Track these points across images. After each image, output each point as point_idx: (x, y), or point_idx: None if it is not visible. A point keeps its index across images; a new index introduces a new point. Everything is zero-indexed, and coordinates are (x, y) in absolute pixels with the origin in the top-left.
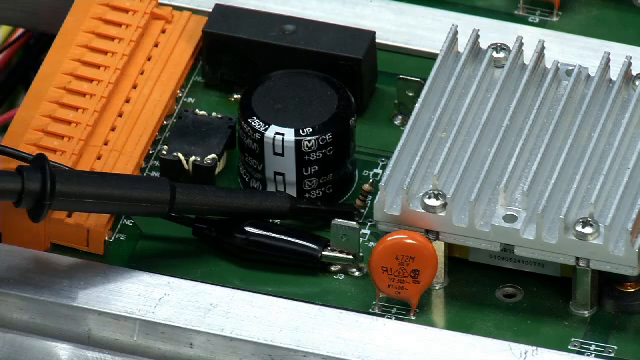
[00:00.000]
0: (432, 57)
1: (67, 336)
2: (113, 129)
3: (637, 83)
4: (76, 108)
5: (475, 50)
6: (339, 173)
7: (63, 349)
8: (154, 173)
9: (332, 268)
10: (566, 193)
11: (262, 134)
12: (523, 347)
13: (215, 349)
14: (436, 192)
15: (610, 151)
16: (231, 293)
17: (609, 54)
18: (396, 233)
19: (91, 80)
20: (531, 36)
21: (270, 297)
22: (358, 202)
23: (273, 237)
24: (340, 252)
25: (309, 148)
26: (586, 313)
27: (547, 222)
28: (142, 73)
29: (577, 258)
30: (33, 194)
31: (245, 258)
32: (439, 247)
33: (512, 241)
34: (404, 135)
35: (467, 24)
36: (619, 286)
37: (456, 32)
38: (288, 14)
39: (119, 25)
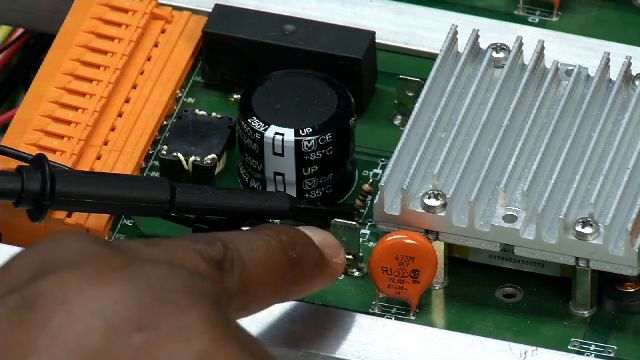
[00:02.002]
0: (432, 57)
1: None
2: (113, 129)
3: (637, 83)
4: (76, 108)
5: (475, 50)
6: (339, 173)
7: None
8: (154, 173)
9: None
10: (566, 193)
11: (262, 134)
12: (523, 347)
13: None
14: (436, 192)
15: (610, 151)
16: None
17: (609, 54)
18: (396, 233)
19: (91, 80)
20: (531, 36)
21: None
22: (358, 202)
23: None
24: None
25: (309, 148)
26: (586, 313)
27: (547, 222)
28: (142, 73)
29: (577, 258)
30: (33, 194)
31: None
32: (439, 247)
33: (512, 241)
34: (404, 135)
35: (467, 24)
36: (619, 286)
37: (456, 32)
38: (288, 14)
39: (119, 25)
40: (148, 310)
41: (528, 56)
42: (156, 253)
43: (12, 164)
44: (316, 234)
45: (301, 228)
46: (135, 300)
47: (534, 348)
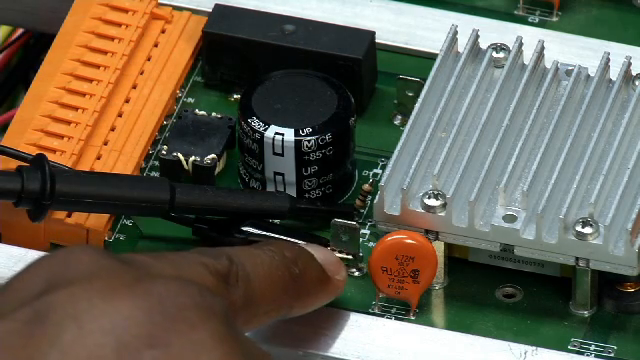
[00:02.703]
0: (432, 57)
1: None
2: (113, 129)
3: (637, 83)
4: (76, 108)
5: (475, 50)
6: (339, 173)
7: None
8: (154, 173)
9: None
10: (566, 193)
11: (262, 134)
12: (523, 347)
13: None
14: (436, 192)
15: (610, 151)
16: None
17: (609, 54)
18: (396, 233)
19: (91, 80)
20: (531, 36)
21: None
22: (358, 202)
23: (273, 237)
24: (340, 252)
25: (309, 148)
26: (586, 313)
27: (547, 222)
28: (142, 73)
29: (577, 258)
30: (33, 194)
31: None
32: (439, 247)
33: (512, 241)
34: (404, 135)
35: (467, 24)
36: (619, 286)
37: (456, 32)
38: (288, 14)
39: (119, 25)
40: (159, 327)
41: (528, 56)
42: (165, 268)
43: (12, 164)
44: (318, 251)
45: (303, 245)
46: (146, 317)
47: (534, 348)
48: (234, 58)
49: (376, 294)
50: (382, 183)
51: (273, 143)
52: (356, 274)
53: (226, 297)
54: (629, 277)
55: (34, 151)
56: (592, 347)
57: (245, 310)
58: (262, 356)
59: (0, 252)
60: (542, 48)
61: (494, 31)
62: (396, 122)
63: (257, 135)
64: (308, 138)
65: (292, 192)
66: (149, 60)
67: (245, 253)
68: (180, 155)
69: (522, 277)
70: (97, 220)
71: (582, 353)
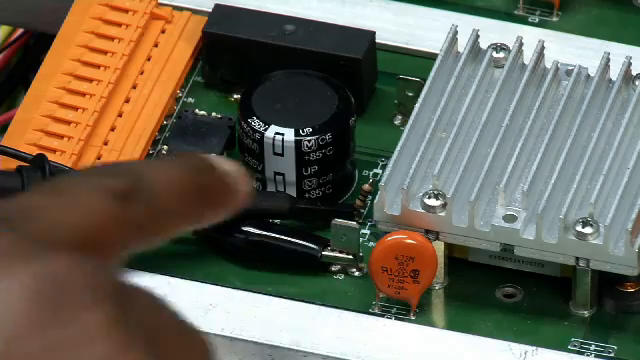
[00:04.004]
0: (432, 57)
1: None
2: (113, 129)
3: (637, 83)
4: (76, 108)
5: (475, 50)
6: (339, 173)
7: None
8: None
9: (332, 268)
10: (566, 193)
11: (262, 134)
12: (523, 347)
13: (215, 349)
14: (436, 192)
15: (610, 151)
16: (231, 293)
17: (609, 54)
18: (396, 233)
19: (91, 80)
20: (531, 36)
21: (270, 297)
22: (358, 202)
23: (273, 237)
24: (340, 252)
25: (309, 148)
26: (586, 313)
27: (547, 222)
28: (142, 73)
29: (577, 258)
30: None
31: (245, 258)
32: (439, 247)
33: (512, 241)
34: (404, 135)
35: (467, 24)
36: (619, 286)
37: (456, 32)
38: (288, 14)
39: (119, 25)
40: (48, 313)
41: (528, 56)
42: (64, 212)
43: (12, 164)
44: (221, 162)
45: (205, 155)
46: (34, 303)
47: (534, 348)
48: (234, 58)
49: (376, 294)
50: (382, 183)
51: (273, 143)
52: (356, 274)
53: (129, 218)
54: (629, 277)
55: (34, 151)
56: (592, 347)
57: (153, 223)
58: (164, 335)
59: None
60: (542, 48)
61: (494, 31)
62: (396, 122)
63: (257, 135)
64: (308, 138)
65: (292, 192)
66: (149, 60)
67: (146, 165)
68: None
69: (522, 277)
70: None
71: (582, 353)
